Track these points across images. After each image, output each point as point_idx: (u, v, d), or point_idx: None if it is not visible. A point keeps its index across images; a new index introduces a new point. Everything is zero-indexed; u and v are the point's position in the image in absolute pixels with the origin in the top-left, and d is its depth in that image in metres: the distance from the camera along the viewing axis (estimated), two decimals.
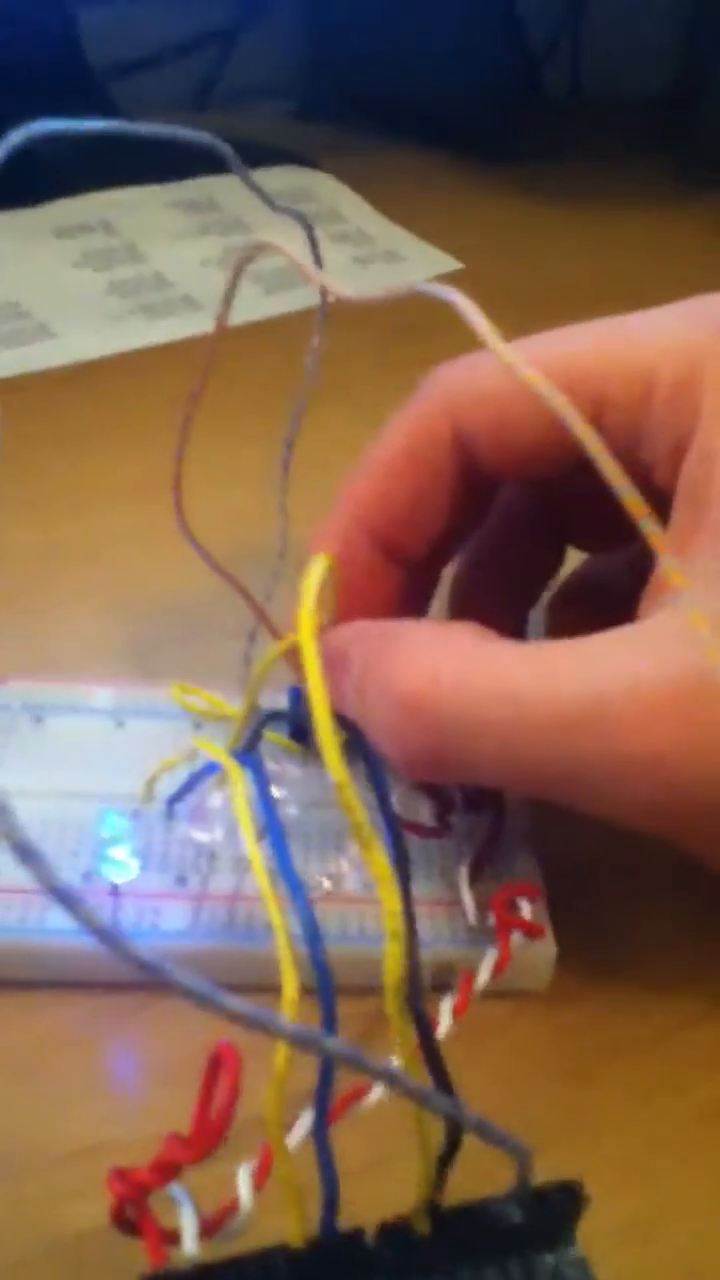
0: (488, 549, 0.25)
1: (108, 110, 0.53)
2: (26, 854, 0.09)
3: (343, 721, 0.18)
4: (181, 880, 0.21)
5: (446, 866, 0.22)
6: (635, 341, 0.20)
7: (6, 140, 0.15)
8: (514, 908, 0.20)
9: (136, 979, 0.20)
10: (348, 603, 0.22)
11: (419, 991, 0.13)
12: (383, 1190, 0.18)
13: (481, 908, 0.21)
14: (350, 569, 0.21)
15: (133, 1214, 0.14)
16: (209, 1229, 0.15)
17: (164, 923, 0.20)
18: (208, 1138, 0.13)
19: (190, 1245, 0.14)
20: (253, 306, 0.44)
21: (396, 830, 0.13)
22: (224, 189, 0.52)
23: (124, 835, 0.19)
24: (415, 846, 0.22)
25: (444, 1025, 0.18)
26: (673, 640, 0.17)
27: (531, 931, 0.20)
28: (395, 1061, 0.13)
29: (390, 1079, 0.10)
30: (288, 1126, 0.15)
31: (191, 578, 0.30)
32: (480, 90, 0.62)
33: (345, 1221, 0.14)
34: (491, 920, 0.20)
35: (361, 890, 0.20)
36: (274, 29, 0.67)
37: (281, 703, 0.24)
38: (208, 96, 0.67)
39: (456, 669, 0.18)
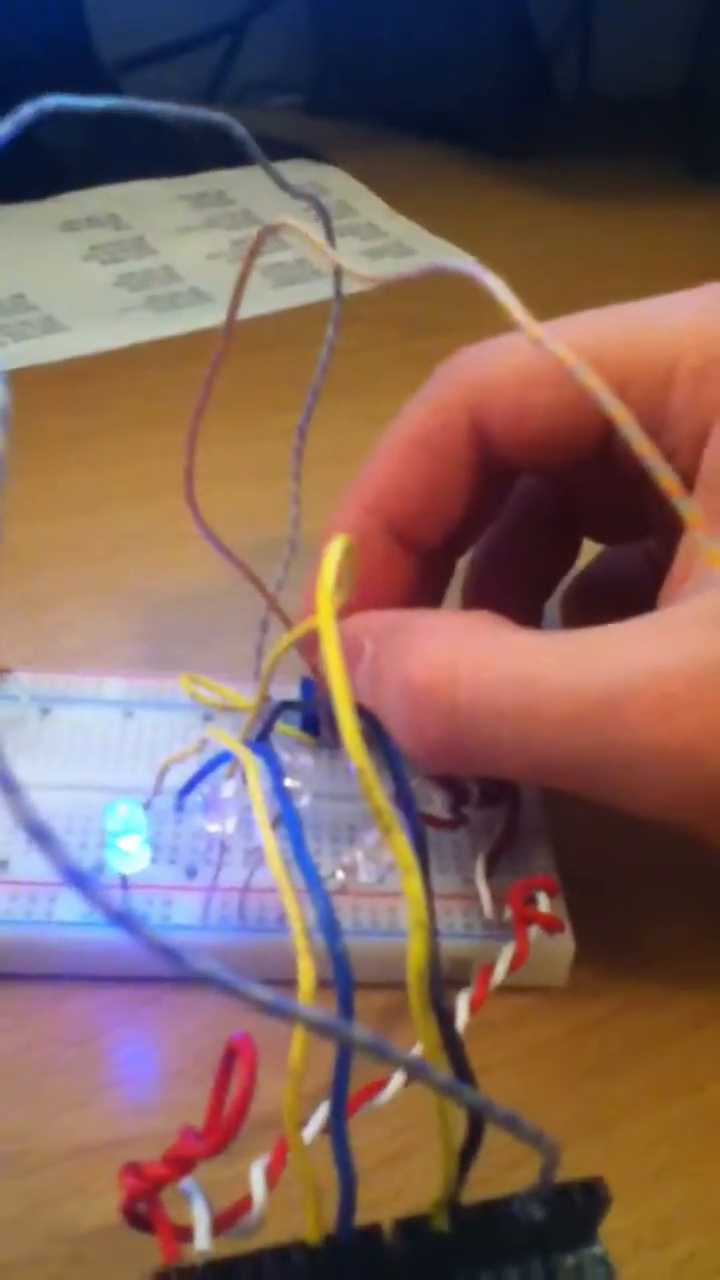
0: (503, 540, 0.25)
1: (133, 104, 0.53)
2: (41, 836, 0.09)
3: (359, 711, 0.18)
4: (192, 872, 0.21)
5: (462, 860, 0.21)
6: (657, 327, 0.20)
7: (18, 115, 0.15)
8: (532, 901, 0.20)
9: (146, 972, 0.20)
10: (360, 591, 0.21)
11: (440, 983, 0.12)
12: (397, 1187, 0.18)
13: (497, 902, 0.20)
14: (364, 556, 0.21)
15: (144, 1209, 0.14)
16: (221, 1226, 0.14)
17: (174, 915, 0.20)
18: (223, 1130, 0.13)
19: (203, 1241, 0.13)
20: (262, 300, 0.44)
21: (415, 819, 0.13)
22: (233, 182, 0.52)
23: (137, 825, 0.19)
24: (430, 839, 0.21)
25: (460, 1019, 0.18)
26: (696, 629, 0.17)
27: (550, 925, 0.20)
28: (417, 1052, 0.13)
29: (417, 1070, 0.10)
30: (301, 1123, 0.15)
31: (202, 572, 0.30)
32: (489, 86, 0.61)
33: (360, 1218, 0.14)
34: (508, 914, 0.20)
35: (374, 883, 0.20)
36: (282, 23, 0.67)
37: (293, 694, 0.24)
38: (217, 90, 0.66)
39: (474, 658, 0.18)
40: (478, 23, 0.60)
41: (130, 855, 0.19)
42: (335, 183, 0.54)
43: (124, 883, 0.20)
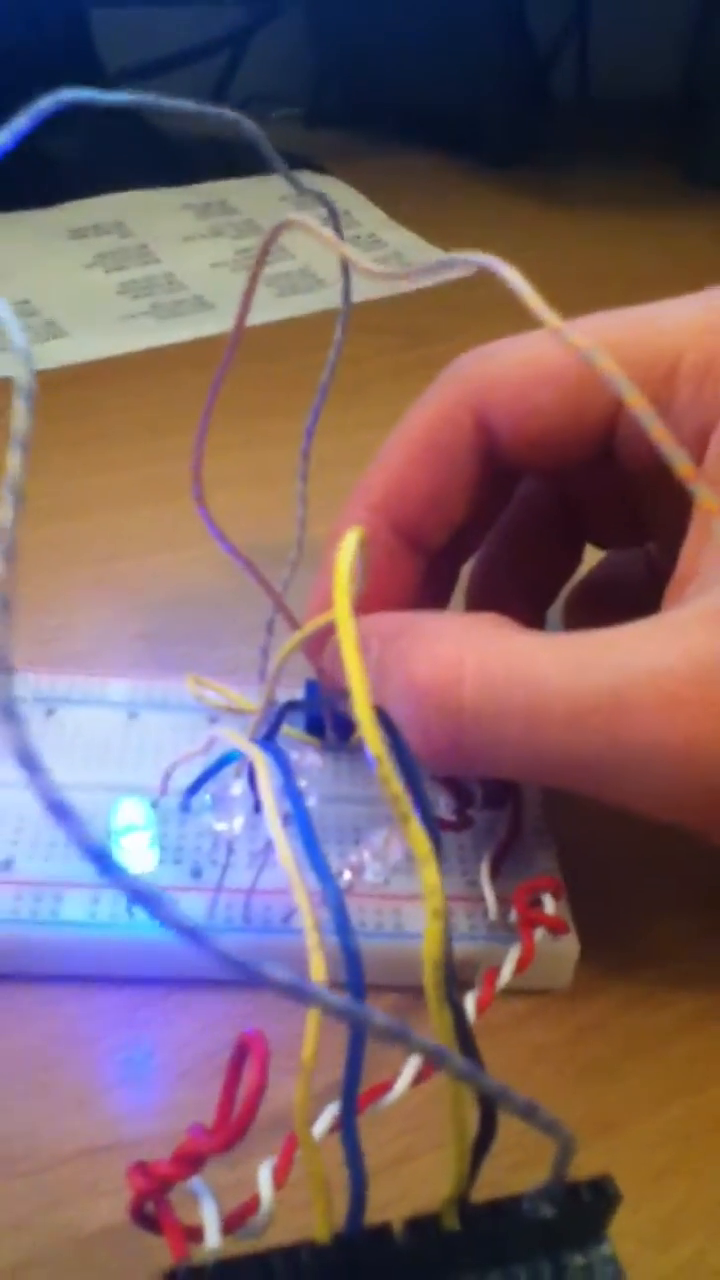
0: (506, 544, 0.25)
1: (121, 114, 0.53)
2: (61, 814, 0.08)
3: (385, 724, 0.18)
4: (197, 873, 0.20)
5: (466, 862, 0.21)
6: (660, 327, 0.20)
7: (35, 107, 0.15)
8: (536, 903, 0.20)
9: (151, 973, 0.20)
10: (366, 593, 0.21)
11: (454, 974, 0.12)
12: (402, 1190, 0.18)
13: (502, 903, 0.20)
14: (370, 556, 0.21)
15: (152, 1210, 0.14)
16: (229, 1226, 0.14)
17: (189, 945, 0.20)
18: (233, 1127, 0.12)
19: (213, 1240, 0.13)
20: (266, 309, 0.44)
21: (430, 811, 0.13)
22: (236, 192, 0.52)
23: (145, 823, 0.19)
24: None
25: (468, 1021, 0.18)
26: (700, 629, 0.17)
27: (555, 927, 0.20)
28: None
29: (437, 1056, 0.10)
30: (310, 1119, 0.15)
31: (206, 575, 0.30)
32: (488, 94, 0.62)
33: (368, 1218, 0.14)
34: (512, 916, 0.20)
35: (380, 885, 0.20)
36: (283, 36, 0.67)
37: (297, 697, 0.23)
38: (218, 102, 0.67)
39: (479, 658, 0.18)
40: (475, 31, 0.60)
41: (135, 853, 0.19)
42: (335, 193, 0.54)
43: None
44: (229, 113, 0.19)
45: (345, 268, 0.18)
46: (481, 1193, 0.14)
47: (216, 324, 0.43)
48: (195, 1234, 0.14)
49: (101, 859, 0.08)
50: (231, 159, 0.52)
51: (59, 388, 0.39)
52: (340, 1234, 0.13)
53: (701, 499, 0.12)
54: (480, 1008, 0.18)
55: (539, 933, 0.20)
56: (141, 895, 0.08)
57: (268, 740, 0.20)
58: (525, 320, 0.20)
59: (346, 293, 0.20)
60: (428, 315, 0.44)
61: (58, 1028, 0.19)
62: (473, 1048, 0.13)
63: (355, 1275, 0.13)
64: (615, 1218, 0.15)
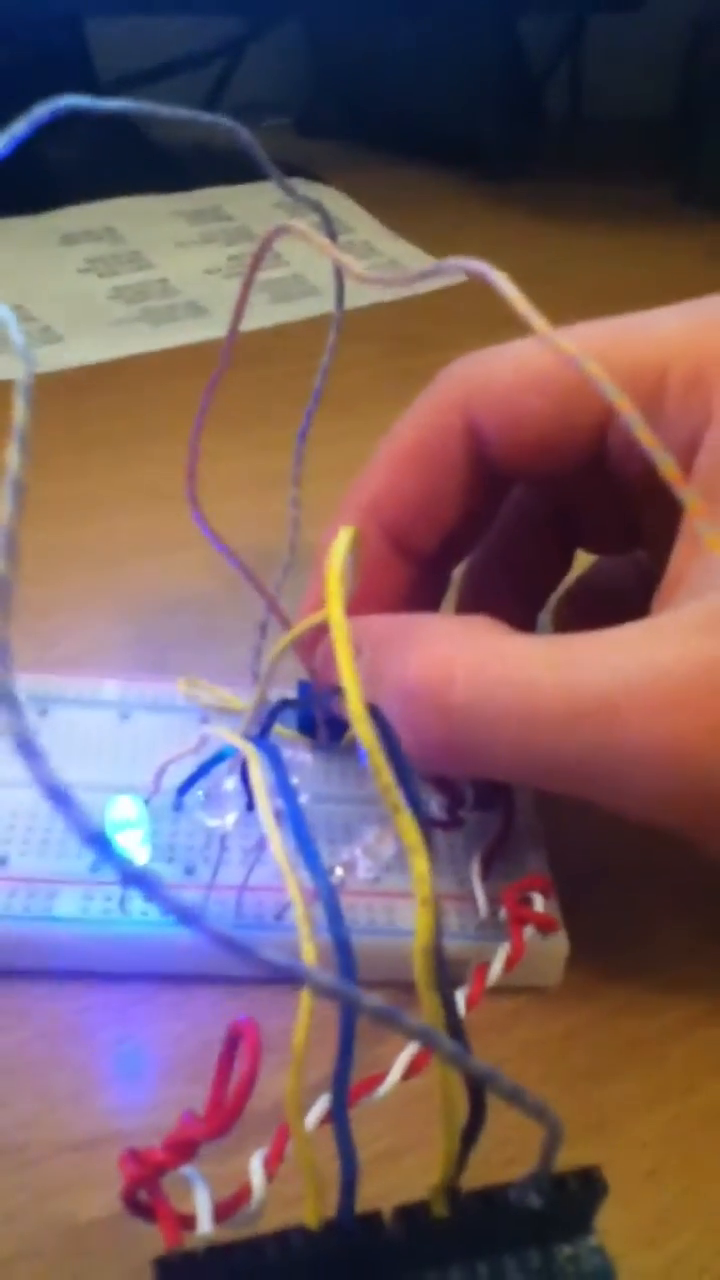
0: (497, 550, 0.25)
1: (115, 122, 0.54)
2: (59, 799, 0.09)
3: (378, 722, 0.18)
4: (190, 870, 0.21)
5: (457, 862, 0.22)
6: (648, 337, 0.20)
7: (32, 114, 0.15)
8: (526, 901, 0.20)
9: (144, 969, 0.20)
10: (358, 596, 0.21)
11: (445, 961, 0.12)
12: (391, 1185, 0.18)
13: (493, 903, 0.21)
14: (361, 560, 0.21)
15: (145, 1197, 0.14)
16: (221, 1215, 0.14)
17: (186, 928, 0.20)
18: (224, 1113, 0.13)
19: (205, 1226, 0.13)
20: (259, 315, 0.44)
21: (419, 805, 0.13)
22: (229, 199, 0.52)
23: (138, 820, 0.19)
24: None
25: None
26: (691, 632, 0.17)
27: (544, 925, 0.20)
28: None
29: (426, 1038, 0.10)
30: (302, 1112, 0.15)
31: (198, 579, 0.31)
32: (481, 109, 0.62)
33: (358, 1210, 0.14)
34: (503, 916, 0.20)
35: (372, 881, 0.20)
36: (278, 46, 0.68)
37: (290, 697, 0.24)
38: (212, 111, 0.67)
39: (471, 659, 0.18)
40: (470, 46, 0.61)
41: (128, 850, 0.19)
42: (330, 202, 0.55)
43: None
44: (224, 120, 0.19)
45: (338, 273, 0.18)
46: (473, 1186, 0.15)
47: (210, 329, 0.43)
48: (188, 1222, 0.14)
49: (98, 842, 0.08)
50: (224, 166, 0.52)
51: (53, 393, 0.40)
52: (331, 1220, 0.14)
53: (688, 502, 0.12)
54: (470, 1004, 0.18)
55: (528, 931, 0.20)
56: (136, 878, 0.08)
57: (261, 738, 0.20)
58: (518, 329, 0.20)
59: (339, 298, 0.20)
60: (421, 323, 0.45)
61: (52, 1023, 0.19)
62: (462, 1034, 0.13)
63: (345, 1261, 0.13)
64: (606, 1215, 0.15)
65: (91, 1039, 0.19)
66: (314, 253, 0.17)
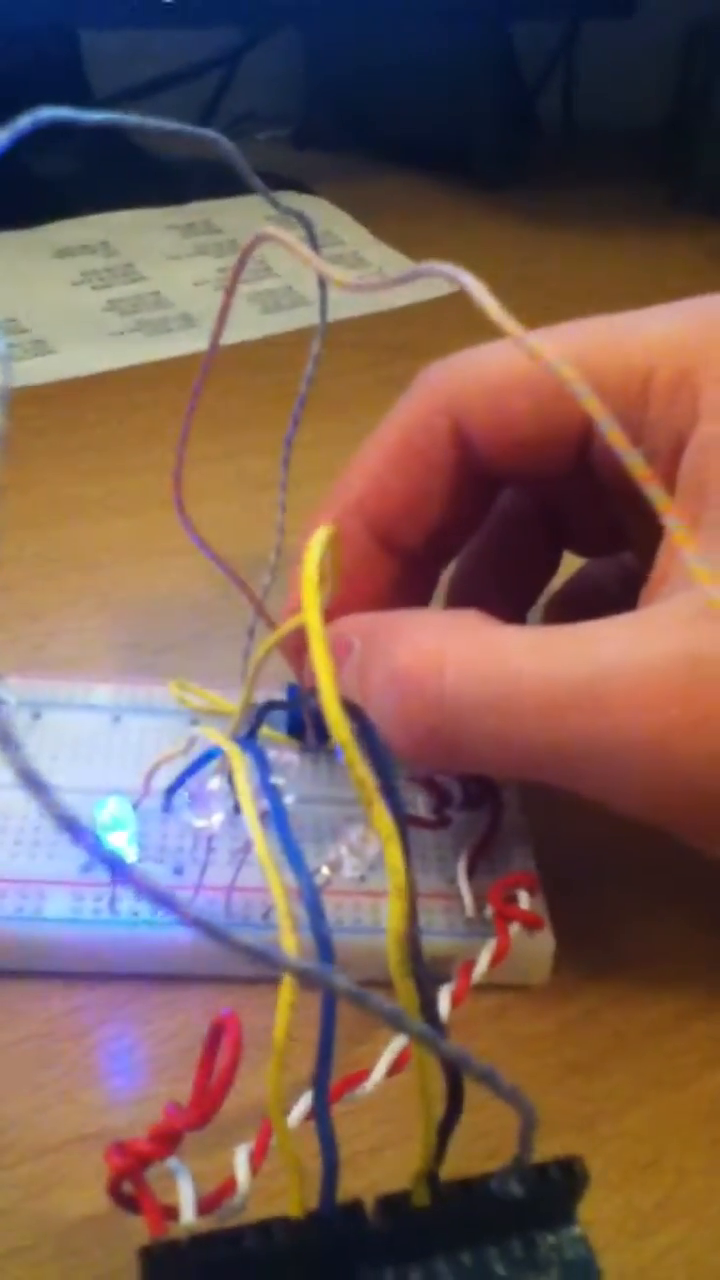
0: (485, 549, 0.26)
1: (109, 136, 0.54)
2: (36, 786, 0.09)
3: (351, 711, 0.18)
4: (179, 871, 0.21)
5: (445, 861, 0.22)
6: (635, 336, 0.20)
7: (15, 126, 0.15)
8: (512, 899, 0.20)
9: (131, 969, 0.20)
10: (346, 593, 0.22)
11: (419, 947, 0.13)
12: (380, 1177, 0.18)
13: (479, 901, 0.21)
14: (348, 557, 0.21)
15: (130, 1189, 0.14)
16: (206, 1207, 0.14)
17: (161, 912, 0.20)
18: (206, 1102, 0.13)
19: (189, 1215, 0.14)
20: (250, 325, 0.45)
21: (397, 798, 0.13)
22: (221, 212, 0.53)
23: (125, 820, 0.19)
24: (413, 840, 0.22)
25: (442, 1013, 0.18)
26: (676, 625, 0.17)
27: (530, 922, 0.20)
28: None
29: (394, 1019, 0.10)
30: (287, 1109, 0.15)
31: (189, 584, 0.31)
32: (474, 118, 0.63)
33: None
34: (489, 913, 0.20)
35: (357, 880, 0.20)
36: (274, 58, 0.68)
37: (280, 697, 0.24)
38: (208, 122, 0.68)
39: (460, 650, 0.18)
40: (463, 55, 0.61)
41: (116, 849, 0.20)
42: (319, 213, 0.55)
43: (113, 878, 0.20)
44: (209, 132, 0.19)
45: (321, 282, 0.19)
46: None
47: (201, 341, 0.43)
48: (173, 1214, 0.14)
49: (71, 827, 0.09)
50: (217, 179, 0.53)
51: (48, 403, 0.40)
52: (313, 1211, 0.14)
53: (656, 499, 0.12)
54: (456, 999, 0.18)
55: (514, 928, 0.20)
56: (108, 859, 0.09)
57: (248, 739, 0.20)
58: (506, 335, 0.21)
59: (323, 306, 0.20)
60: (410, 330, 0.45)
61: (42, 1023, 0.20)
62: (437, 1020, 0.13)
63: (328, 1251, 0.14)
64: (594, 1207, 0.15)
65: (82, 1038, 0.19)
66: (303, 264, 0.17)
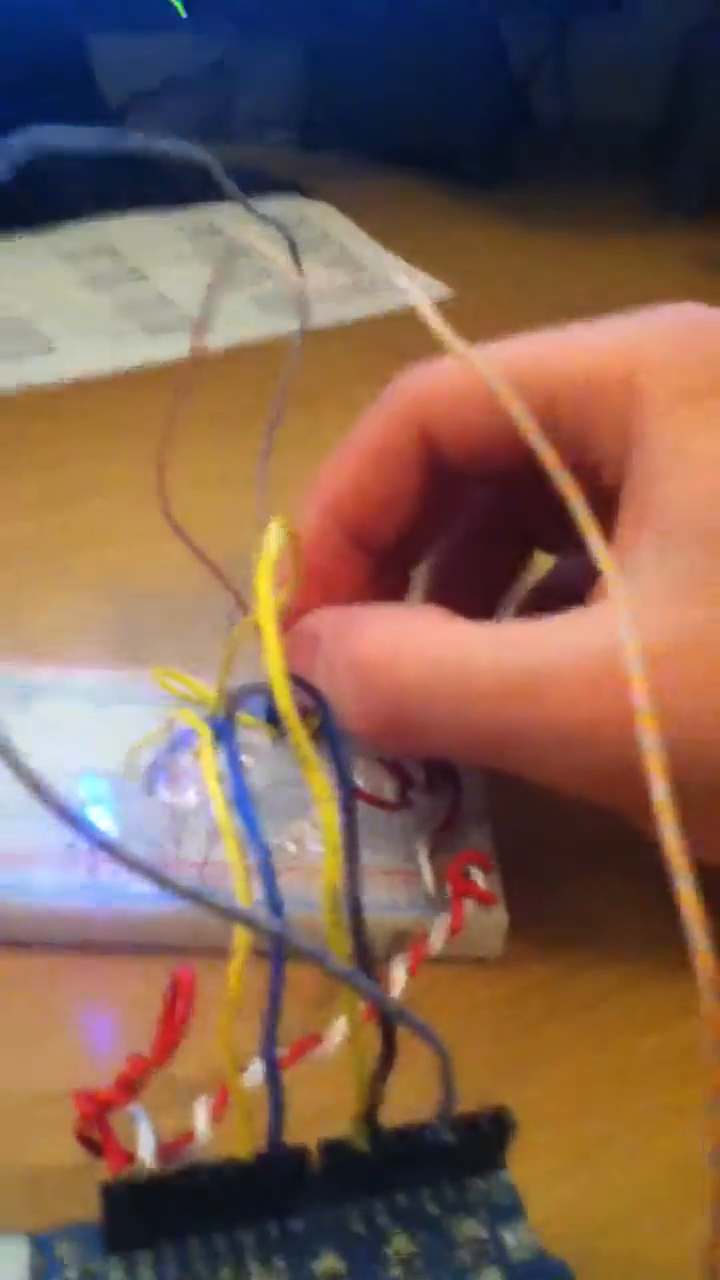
0: (456, 549, 0.27)
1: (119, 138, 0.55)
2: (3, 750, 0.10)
3: (307, 690, 0.19)
4: (156, 847, 0.22)
5: (408, 840, 0.23)
6: (586, 345, 0.21)
7: (4, 145, 0.16)
8: (466, 874, 0.21)
9: (113, 940, 0.21)
10: (318, 591, 0.23)
11: (358, 902, 0.14)
12: (330, 1135, 0.19)
13: (438, 879, 0.22)
14: (320, 553, 0.23)
15: (95, 1134, 0.16)
16: (166, 1155, 0.16)
17: (137, 885, 0.21)
18: (164, 1045, 0.14)
19: (147, 1157, 0.15)
20: (250, 325, 0.46)
21: (345, 761, 0.14)
22: (225, 215, 0.54)
23: (102, 798, 0.21)
24: (378, 820, 0.23)
25: (398, 984, 0.19)
26: (609, 622, 0.19)
27: (483, 899, 0.21)
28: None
29: (316, 957, 0.11)
30: (244, 1066, 0.16)
31: (174, 572, 0.32)
32: (466, 117, 0.64)
33: None
34: (448, 890, 0.21)
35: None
36: (274, 62, 0.69)
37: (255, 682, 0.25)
38: (220, 126, 0.69)
39: (416, 642, 0.20)
40: (454, 54, 0.63)
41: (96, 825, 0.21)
42: (319, 216, 0.56)
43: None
44: (200, 152, 0.20)
45: (300, 292, 0.20)
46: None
47: (193, 335, 0.45)
48: (134, 1159, 0.15)
49: (40, 790, 0.10)
50: (211, 174, 0.54)
51: (51, 402, 0.41)
52: (260, 1152, 0.15)
53: (579, 515, 0.13)
54: (411, 970, 0.20)
55: (469, 903, 0.21)
56: (69, 815, 0.10)
57: (223, 722, 0.21)
58: (496, 340, 0.22)
59: (303, 312, 0.21)
60: (415, 333, 0.46)
61: (25, 991, 0.21)
62: (369, 966, 0.14)
63: (273, 1190, 0.15)
64: (532, 1156, 0.16)
65: (60, 1004, 0.21)
66: (304, 266, 0.18)
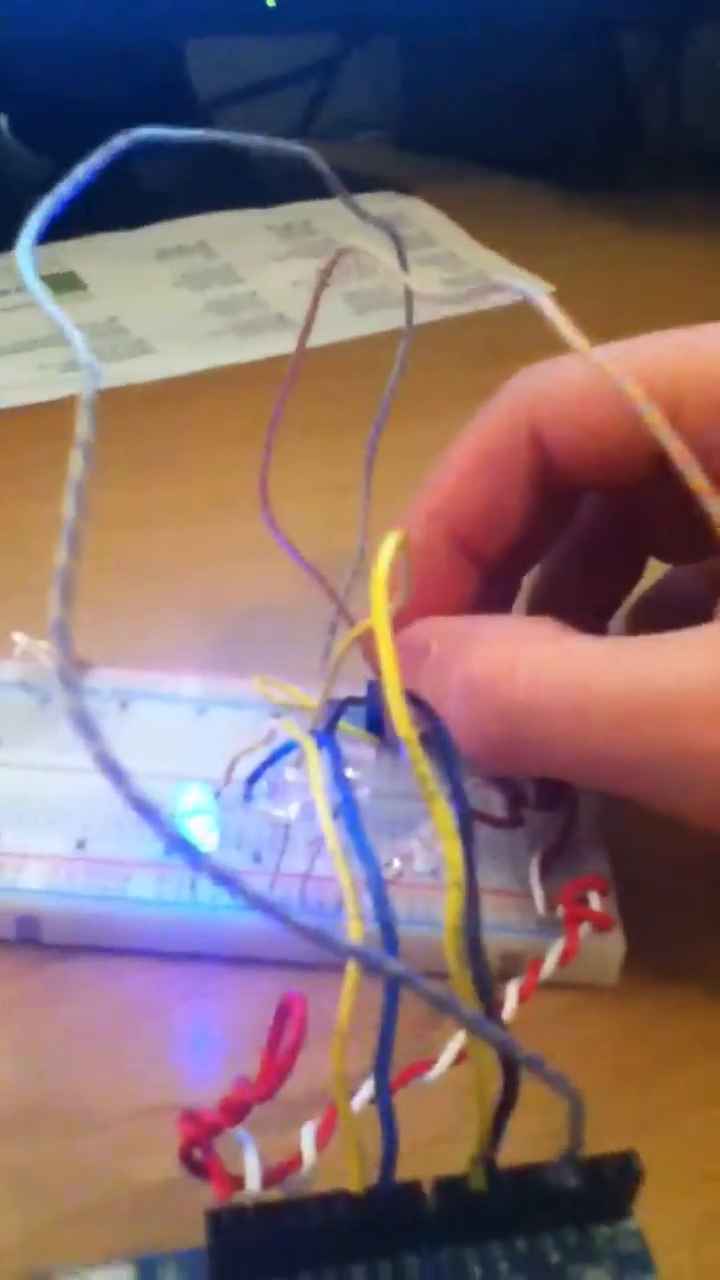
0: (567, 558, 0.26)
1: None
2: (112, 771, 0.10)
3: (421, 709, 0.19)
4: (258, 858, 0.22)
5: (518, 860, 0.22)
6: (714, 347, 0.21)
7: (111, 144, 0.16)
8: (583, 899, 0.21)
9: (212, 950, 0.21)
10: (426, 599, 0.22)
11: (479, 935, 0.13)
12: (442, 1167, 0.18)
13: (550, 901, 0.21)
14: (427, 561, 0.22)
15: (199, 1156, 0.15)
16: (271, 1180, 0.15)
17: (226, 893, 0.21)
18: (273, 1076, 0.13)
19: (254, 1184, 0.14)
20: (344, 325, 0.46)
21: (461, 794, 0.14)
22: (318, 214, 0.53)
23: (206, 807, 0.20)
24: (487, 838, 0.22)
25: (509, 1009, 0.19)
26: None
27: (600, 923, 0.20)
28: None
29: (441, 1003, 0.10)
30: (353, 1092, 0.16)
31: (275, 583, 0.32)
32: (576, 122, 0.63)
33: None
34: (561, 913, 0.21)
35: (429, 874, 0.21)
36: (373, 62, 0.69)
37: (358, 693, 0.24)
38: (309, 127, 0.69)
39: (532, 658, 0.19)
40: (567, 58, 0.61)
41: (198, 836, 0.20)
42: (417, 215, 0.56)
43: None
44: (298, 146, 0.20)
45: (407, 294, 0.19)
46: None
47: (296, 341, 0.44)
48: (239, 1184, 0.15)
49: (145, 810, 0.09)
50: (314, 182, 0.53)
51: (146, 402, 0.41)
52: (373, 1187, 0.14)
53: (712, 512, 0.13)
54: (523, 995, 0.19)
55: (585, 928, 0.20)
56: (179, 843, 0.09)
57: (325, 733, 0.21)
58: (596, 341, 0.21)
59: (409, 315, 0.21)
60: (508, 332, 0.45)
61: (125, 999, 0.20)
62: (492, 1008, 0.14)
63: (384, 1226, 0.14)
64: (651, 1211, 0.15)
65: (161, 1015, 0.20)
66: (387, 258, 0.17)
